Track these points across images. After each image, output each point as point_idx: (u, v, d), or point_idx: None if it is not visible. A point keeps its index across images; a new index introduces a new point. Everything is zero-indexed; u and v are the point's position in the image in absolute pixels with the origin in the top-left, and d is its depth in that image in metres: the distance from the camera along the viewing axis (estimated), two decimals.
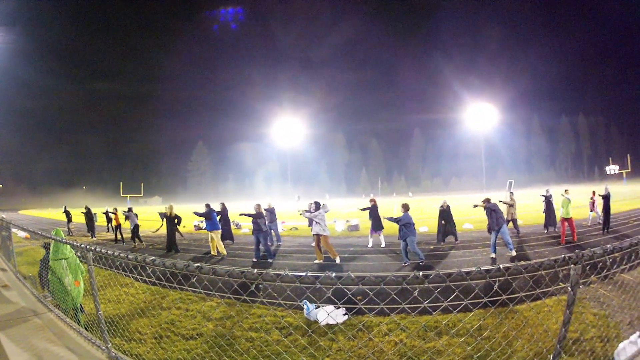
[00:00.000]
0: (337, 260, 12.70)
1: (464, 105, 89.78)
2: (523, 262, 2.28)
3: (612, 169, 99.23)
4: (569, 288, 2.60)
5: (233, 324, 6.99)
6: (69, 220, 25.45)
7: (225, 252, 14.95)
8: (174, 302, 8.27)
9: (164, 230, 16.36)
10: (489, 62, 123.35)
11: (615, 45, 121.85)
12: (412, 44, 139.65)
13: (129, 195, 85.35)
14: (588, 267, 2.77)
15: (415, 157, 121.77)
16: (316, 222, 12.69)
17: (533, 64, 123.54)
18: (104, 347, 4.49)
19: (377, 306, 2.72)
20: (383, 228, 15.41)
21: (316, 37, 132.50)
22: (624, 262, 3.33)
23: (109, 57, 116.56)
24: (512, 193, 17.44)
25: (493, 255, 12.49)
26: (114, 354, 4.37)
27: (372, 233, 15.48)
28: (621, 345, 4.78)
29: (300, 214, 13.59)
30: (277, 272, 2.57)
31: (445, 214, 15.70)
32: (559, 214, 15.19)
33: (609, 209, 16.09)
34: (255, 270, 2.67)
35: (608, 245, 2.64)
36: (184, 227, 21.18)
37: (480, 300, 3.49)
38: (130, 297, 8.74)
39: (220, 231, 15.43)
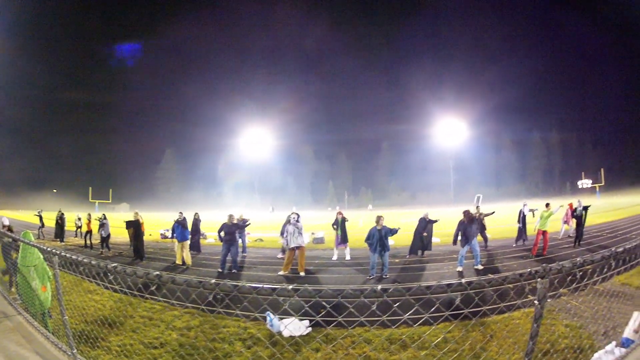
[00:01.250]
0: (302, 274, 12.62)
1: (434, 119, 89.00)
2: (489, 276, 2.20)
3: (585, 183, 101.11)
4: (536, 302, 2.54)
5: (196, 334, 6.88)
6: (42, 224, 24.84)
7: (190, 262, 14.80)
8: (137, 311, 8.17)
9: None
10: (460, 77, 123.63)
11: (591, 61, 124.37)
12: (381, 56, 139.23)
13: (97, 201, 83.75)
14: (557, 280, 2.70)
15: (383, 170, 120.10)
16: (299, 234, 12.68)
17: (505, 78, 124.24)
18: (69, 353, 4.43)
19: (339, 319, 2.63)
20: (348, 241, 15.32)
21: (285, 47, 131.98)
22: (595, 275, 3.29)
23: (78, 64, 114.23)
24: (478, 207, 17.28)
25: (460, 268, 12.44)
26: None
27: (338, 246, 15.37)
28: (596, 355, 4.76)
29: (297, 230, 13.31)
30: (235, 283, 2.47)
31: (428, 226, 15.51)
32: (530, 227, 15.20)
33: (582, 222, 16.28)
34: (213, 281, 2.60)
35: (578, 259, 2.61)
36: (150, 235, 20.86)
37: (442, 314, 3.41)
38: (97, 303, 8.60)
39: (188, 241, 15.29)
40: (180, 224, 14.82)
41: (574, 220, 16.64)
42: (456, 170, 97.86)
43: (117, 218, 20.51)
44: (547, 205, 14.88)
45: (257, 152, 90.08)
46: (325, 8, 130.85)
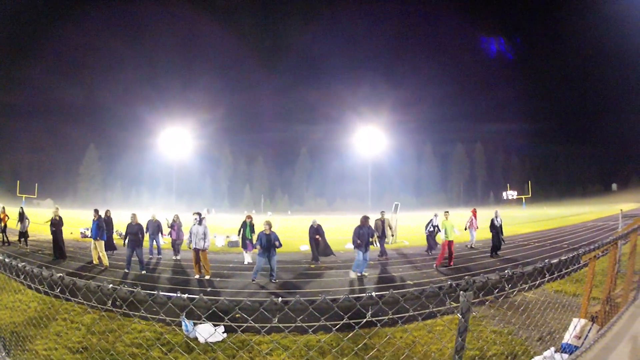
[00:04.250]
0: (207, 277, 12.49)
1: (353, 126, 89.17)
2: (401, 290, 2.06)
3: (510, 194, 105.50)
4: (459, 315, 2.45)
5: (115, 339, 6.73)
6: None
7: (107, 263, 14.35)
8: (60, 313, 7.97)
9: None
10: (380, 85, 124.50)
11: (518, 73, 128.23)
12: (301, 61, 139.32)
13: (24, 196, 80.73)
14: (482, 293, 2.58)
15: (300, 176, 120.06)
16: (203, 236, 12.59)
17: (427, 89, 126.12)
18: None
19: (256, 324, 2.43)
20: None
21: (201, 47, 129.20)
22: (526, 282, 3.23)
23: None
24: (383, 212, 17.25)
25: (353, 275, 12.45)
26: None
27: (248, 250, 15.25)
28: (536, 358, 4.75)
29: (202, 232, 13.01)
30: (131, 289, 2.30)
31: (320, 232, 15.58)
32: (439, 236, 15.29)
33: (500, 233, 16.54)
34: (110, 286, 2.41)
35: (506, 271, 2.59)
36: (71, 233, 20.16)
37: (353, 321, 3.25)
38: (22, 304, 8.43)
39: (103, 241, 14.83)
40: (96, 222, 14.48)
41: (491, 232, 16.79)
42: (375, 179, 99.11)
43: (43, 214, 19.51)
44: (446, 213, 15.06)
45: (175, 153, 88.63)
46: (243, 8, 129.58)
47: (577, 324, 4.75)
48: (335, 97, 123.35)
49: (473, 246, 18.76)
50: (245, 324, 2.54)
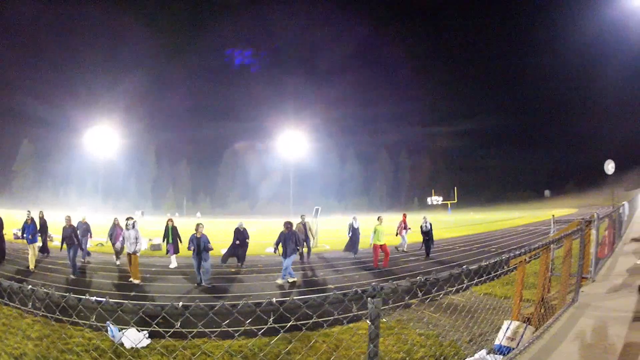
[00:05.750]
0: (136, 282, 12.38)
1: (277, 130, 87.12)
2: (303, 297, 2.25)
3: (435, 199, 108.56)
4: (368, 322, 2.43)
5: (49, 345, 6.64)
6: None
7: (33, 266, 14.03)
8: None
9: None
10: (301, 89, 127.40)
11: (445, 79, 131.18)
12: (224, 64, 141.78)
13: None
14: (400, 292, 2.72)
15: (223, 178, 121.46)
16: (135, 240, 12.65)
17: (350, 94, 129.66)
18: None
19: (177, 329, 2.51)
20: (179, 250, 15.21)
21: (125, 44, 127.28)
22: (447, 286, 3.35)
23: None
24: (303, 216, 17.50)
25: (280, 281, 12.41)
26: None
27: (173, 253, 15.17)
28: None
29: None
30: (63, 294, 2.38)
31: (240, 235, 15.63)
32: (368, 240, 15.56)
33: (431, 237, 17.55)
34: (29, 287, 2.45)
35: (418, 277, 2.61)
36: (5, 234, 19.63)
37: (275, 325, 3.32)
38: None
39: (37, 243, 14.68)
40: (32, 227, 14.32)
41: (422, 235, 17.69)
42: (298, 182, 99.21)
43: None
44: (379, 218, 15.38)
45: (101, 152, 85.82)
46: (166, 8, 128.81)
47: (509, 326, 4.80)
48: (257, 100, 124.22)
49: (405, 250, 19.13)
50: (150, 328, 2.68)
